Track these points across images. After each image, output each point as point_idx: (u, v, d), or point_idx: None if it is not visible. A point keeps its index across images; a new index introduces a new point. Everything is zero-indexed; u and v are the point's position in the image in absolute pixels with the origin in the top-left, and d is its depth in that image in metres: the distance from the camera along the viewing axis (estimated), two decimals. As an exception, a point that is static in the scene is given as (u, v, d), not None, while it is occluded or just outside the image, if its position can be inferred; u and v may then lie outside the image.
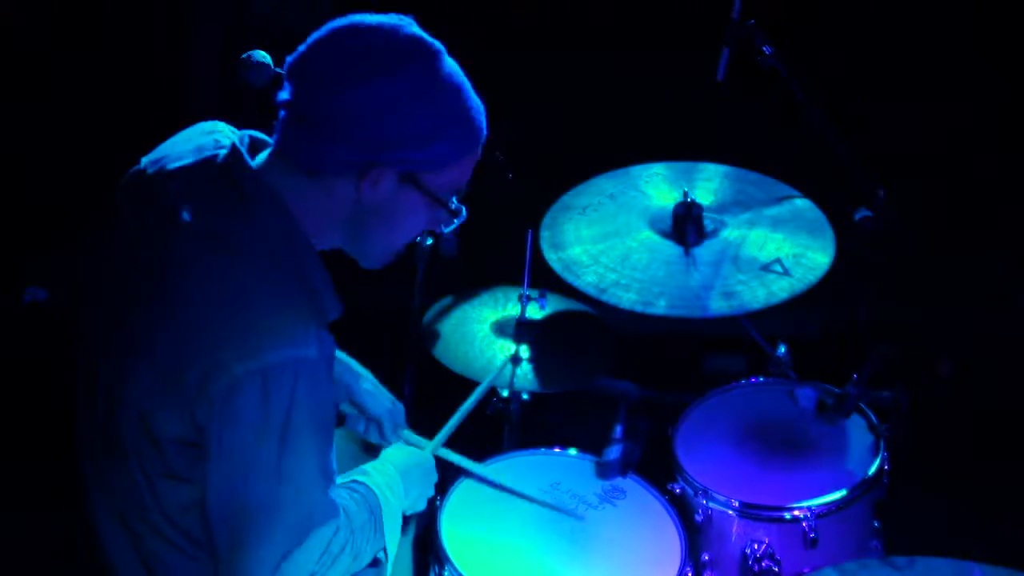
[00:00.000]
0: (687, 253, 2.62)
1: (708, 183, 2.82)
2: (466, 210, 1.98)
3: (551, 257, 2.66)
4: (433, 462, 2.35)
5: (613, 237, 2.68)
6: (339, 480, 2.07)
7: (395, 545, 2.12)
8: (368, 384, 2.41)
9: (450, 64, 1.87)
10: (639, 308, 2.50)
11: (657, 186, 2.83)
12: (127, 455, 1.85)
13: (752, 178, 2.84)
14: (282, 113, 1.86)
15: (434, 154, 1.85)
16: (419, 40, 1.84)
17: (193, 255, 1.81)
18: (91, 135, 3.81)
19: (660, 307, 2.50)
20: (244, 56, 2.21)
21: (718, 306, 2.49)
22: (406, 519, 2.27)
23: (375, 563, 2.14)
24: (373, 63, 1.80)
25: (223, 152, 1.90)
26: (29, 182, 3.88)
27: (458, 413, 2.51)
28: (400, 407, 2.44)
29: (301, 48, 1.85)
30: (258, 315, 1.77)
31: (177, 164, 1.91)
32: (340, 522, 1.92)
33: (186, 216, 1.84)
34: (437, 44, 1.86)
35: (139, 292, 1.84)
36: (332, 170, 1.84)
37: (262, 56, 2.20)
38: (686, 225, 2.65)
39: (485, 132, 1.92)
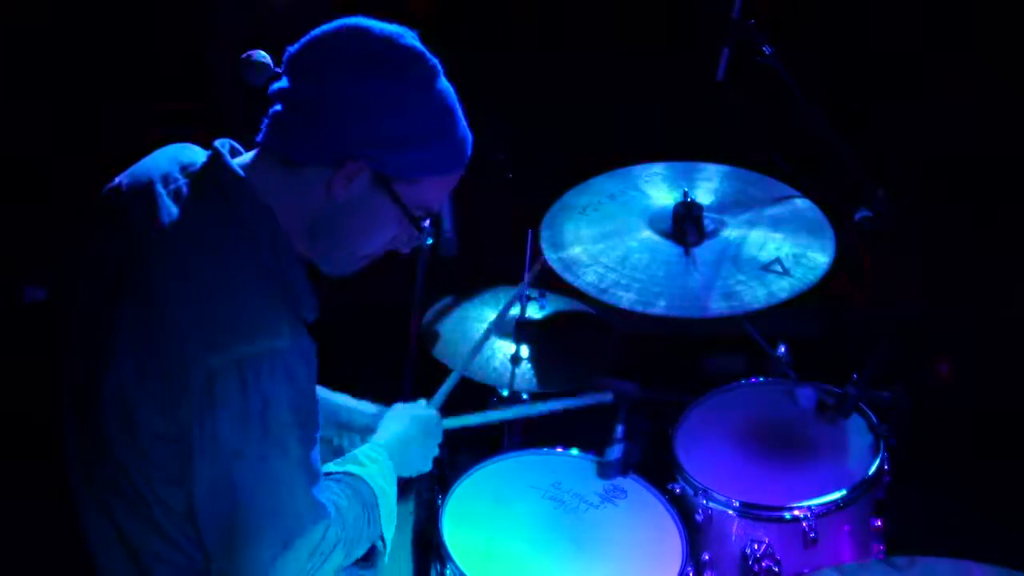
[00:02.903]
0: (687, 253, 2.62)
1: (708, 183, 2.82)
2: (428, 228, 1.97)
3: (551, 257, 2.66)
4: (434, 418, 2.32)
5: (613, 237, 2.68)
6: (332, 468, 2.07)
7: (391, 532, 2.11)
8: (349, 403, 2.42)
9: (444, 84, 1.89)
10: (639, 308, 2.50)
11: (657, 186, 2.82)
12: (116, 456, 1.85)
13: (752, 178, 2.84)
14: (274, 107, 1.87)
15: (412, 162, 1.86)
16: (419, 53, 1.87)
17: (175, 256, 1.82)
18: (92, 135, 3.81)
19: (660, 307, 2.50)
20: (244, 56, 2.21)
21: (718, 306, 2.49)
22: (405, 482, 2.24)
23: (370, 555, 2.13)
24: (371, 62, 1.82)
25: (204, 157, 1.92)
26: (29, 182, 3.88)
27: (457, 370, 2.52)
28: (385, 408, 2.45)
29: (303, 40, 1.87)
30: (233, 309, 1.78)
31: (158, 173, 1.93)
32: (331, 521, 1.91)
33: (168, 218, 1.86)
34: (436, 61, 1.88)
35: (123, 295, 1.85)
36: (311, 160, 1.85)
37: (262, 56, 2.20)
38: (686, 225, 2.65)
39: (466, 160, 1.93)
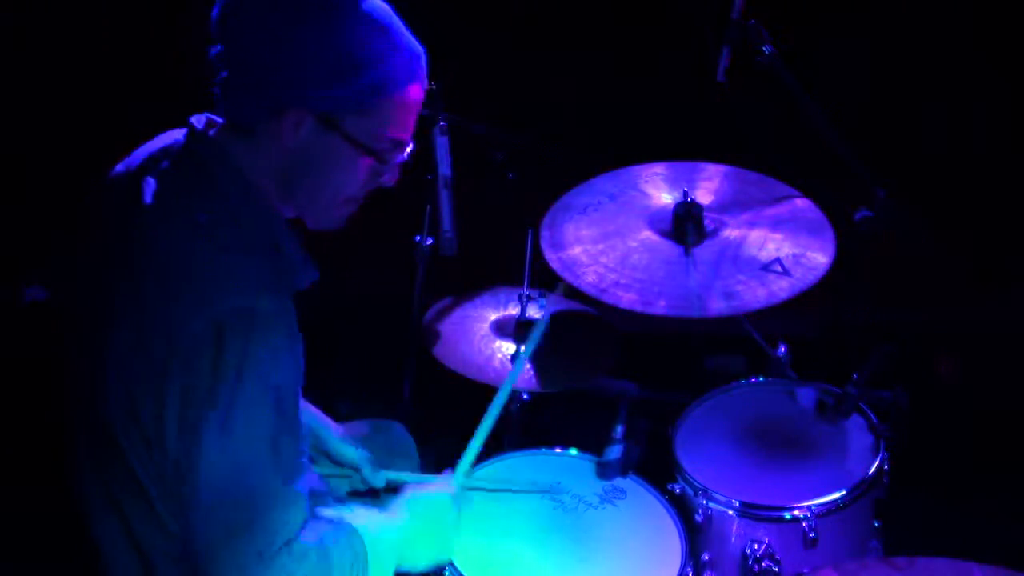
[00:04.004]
0: (687, 253, 2.62)
1: (708, 183, 2.82)
2: (408, 154, 1.90)
3: (551, 257, 2.66)
4: (448, 499, 2.24)
5: (613, 237, 2.68)
6: (328, 511, 2.03)
7: None
8: (336, 433, 2.43)
9: (371, 4, 1.82)
10: (639, 308, 2.50)
11: (657, 186, 2.83)
12: (122, 448, 1.85)
13: (752, 178, 2.84)
14: (220, 74, 1.85)
15: (352, 95, 1.80)
16: None
17: (159, 233, 1.82)
18: (92, 135, 3.82)
19: (660, 307, 2.50)
20: None
21: (718, 306, 2.49)
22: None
23: None
24: (282, 2, 1.78)
25: (183, 134, 1.93)
26: (29, 182, 3.88)
27: (477, 436, 2.42)
28: (365, 452, 2.45)
29: (220, 1, 1.83)
30: (213, 273, 1.77)
31: (144, 156, 1.94)
32: (308, 531, 1.86)
33: (150, 194, 1.85)
34: None
35: (112, 280, 1.86)
36: (255, 119, 1.83)
37: None
38: (686, 225, 2.65)
39: (416, 78, 1.86)
